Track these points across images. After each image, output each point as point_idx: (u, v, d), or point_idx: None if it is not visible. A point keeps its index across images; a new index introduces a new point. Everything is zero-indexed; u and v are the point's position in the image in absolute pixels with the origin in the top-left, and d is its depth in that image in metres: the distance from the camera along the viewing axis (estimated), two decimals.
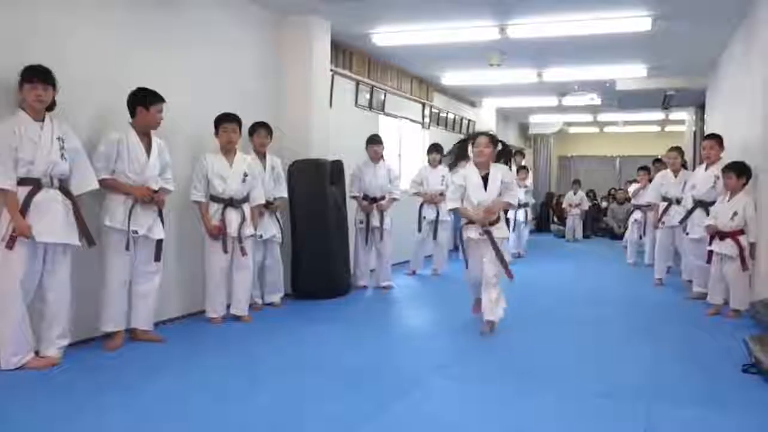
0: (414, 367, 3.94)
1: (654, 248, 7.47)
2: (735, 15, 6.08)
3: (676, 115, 13.04)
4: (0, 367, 3.56)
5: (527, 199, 10.04)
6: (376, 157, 6.70)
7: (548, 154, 17.14)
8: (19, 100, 3.65)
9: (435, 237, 7.65)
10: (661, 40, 6.96)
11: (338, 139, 6.69)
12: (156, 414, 3.05)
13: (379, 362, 4.03)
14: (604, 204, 14.85)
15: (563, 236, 13.39)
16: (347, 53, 7.36)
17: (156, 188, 4.27)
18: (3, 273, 3.56)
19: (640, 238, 8.94)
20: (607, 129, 16.44)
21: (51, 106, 3.71)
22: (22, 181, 3.59)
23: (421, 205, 7.61)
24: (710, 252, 5.46)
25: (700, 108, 10.48)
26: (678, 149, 7.13)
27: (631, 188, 10.97)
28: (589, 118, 14.48)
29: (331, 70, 6.79)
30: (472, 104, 12.07)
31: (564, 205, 13.42)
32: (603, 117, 14.34)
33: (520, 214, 9.59)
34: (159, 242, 4.30)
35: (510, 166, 4.93)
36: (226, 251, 4.91)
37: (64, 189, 3.77)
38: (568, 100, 11.30)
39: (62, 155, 3.70)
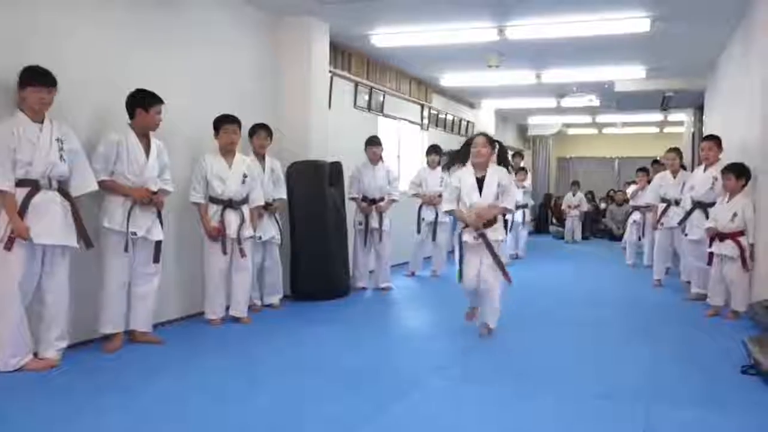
0: (413, 368, 3.94)
1: (653, 249, 7.47)
2: (733, 16, 6.09)
3: (675, 116, 13.05)
4: None
5: (526, 200, 10.04)
6: (375, 159, 6.70)
7: (547, 156, 17.15)
8: (17, 101, 3.64)
9: (434, 238, 7.65)
10: (659, 42, 6.97)
11: (337, 141, 6.69)
12: (155, 415, 3.05)
13: (378, 363, 4.03)
14: (602, 205, 14.86)
15: (562, 237, 13.40)
16: (346, 54, 7.37)
17: (155, 189, 4.27)
18: (1, 274, 3.55)
19: (639, 239, 8.95)
20: (605, 130, 16.45)
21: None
22: (20, 183, 3.59)
23: (420, 207, 7.62)
24: (711, 254, 5.46)
25: (699, 109, 10.49)
26: (676, 150, 7.13)
27: (630, 189, 10.98)
28: (587, 119, 14.49)
29: (330, 72, 6.79)
30: (471, 105, 12.07)
31: (563, 207, 13.43)
32: (602, 118, 14.36)
33: (518, 216, 9.60)
34: (158, 244, 4.30)
35: (508, 169, 4.81)
36: (225, 253, 4.91)
37: (63, 190, 3.77)
38: (567, 102, 11.30)
39: (61, 156, 3.70)
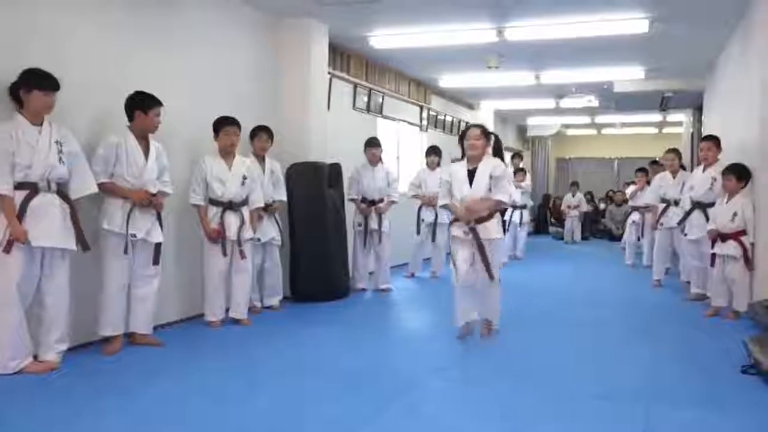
0: (412, 369, 3.93)
1: (652, 249, 7.48)
2: (732, 16, 6.09)
3: (674, 116, 13.06)
4: None
5: (525, 200, 10.05)
6: (375, 160, 6.71)
7: (546, 156, 17.16)
8: (13, 104, 3.63)
9: (433, 239, 7.65)
10: (658, 42, 6.97)
11: (336, 142, 6.69)
12: (155, 418, 3.05)
13: (378, 365, 4.03)
14: (602, 206, 14.88)
15: (561, 238, 13.41)
16: (345, 56, 7.37)
17: (154, 191, 4.27)
18: (0, 277, 3.55)
19: (638, 239, 8.96)
20: (604, 131, 16.47)
21: None
22: (19, 186, 3.58)
23: (420, 208, 7.61)
24: (713, 255, 5.46)
25: (698, 110, 10.50)
26: (675, 151, 7.14)
27: (629, 190, 10.99)
28: (586, 120, 14.50)
29: (329, 73, 6.80)
30: (470, 106, 12.08)
31: (562, 207, 13.44)
32: (601, 119, 14.37)
33: (516, 216, 9.60)
34: (157, 246, 4.30)
35: (504, 161, 4.63)
36: (225, 254, 4.91)
37: (62, 193, 3.76)
38: (566, 102, 11.31)
39: (60, 159, 3.69)
